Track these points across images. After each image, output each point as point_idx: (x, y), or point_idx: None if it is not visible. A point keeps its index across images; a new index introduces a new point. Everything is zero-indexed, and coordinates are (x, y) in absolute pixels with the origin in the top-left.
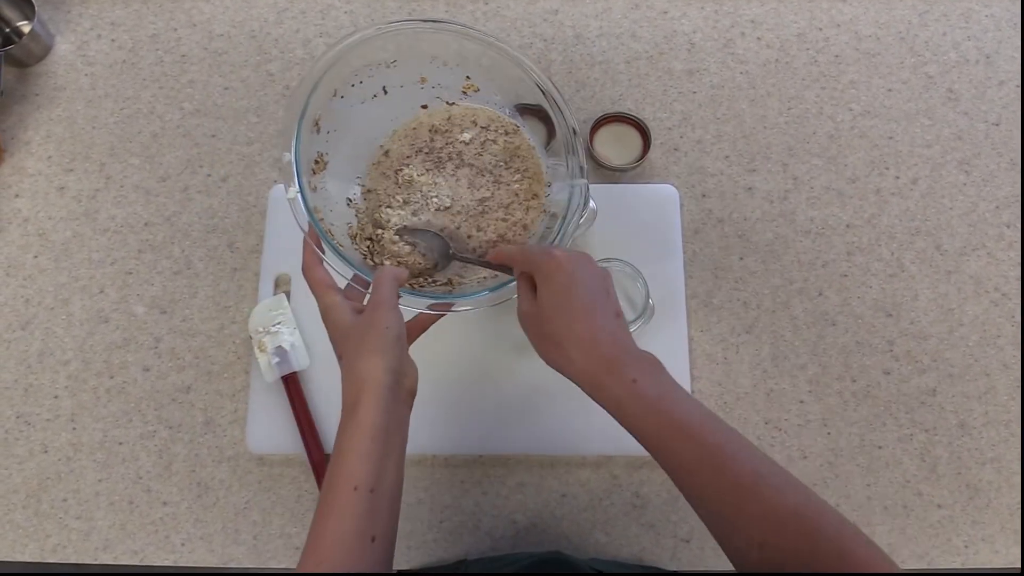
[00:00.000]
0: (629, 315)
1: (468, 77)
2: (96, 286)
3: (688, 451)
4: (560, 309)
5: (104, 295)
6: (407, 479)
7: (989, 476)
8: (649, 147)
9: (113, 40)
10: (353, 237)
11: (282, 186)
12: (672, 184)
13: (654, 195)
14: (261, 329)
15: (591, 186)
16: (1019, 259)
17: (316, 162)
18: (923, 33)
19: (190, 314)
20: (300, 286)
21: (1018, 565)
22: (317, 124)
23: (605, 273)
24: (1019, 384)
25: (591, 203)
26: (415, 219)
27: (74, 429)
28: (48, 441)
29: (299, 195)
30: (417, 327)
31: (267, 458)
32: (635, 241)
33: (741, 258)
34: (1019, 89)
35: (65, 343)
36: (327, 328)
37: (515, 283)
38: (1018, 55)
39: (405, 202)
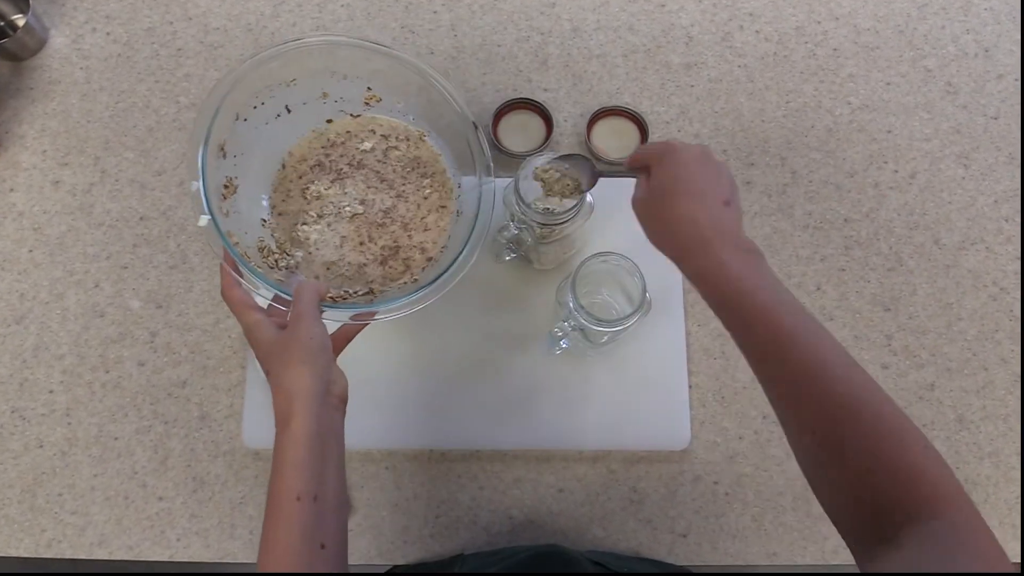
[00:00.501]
0: (626, 309)
1: (369, 88)
2: (91, 280)
3: (759, 333)
4: (668, 192)
5: (99, 289)
6: (405, 474)
7: (987, 471)
8: (647, 141)
9: (108, 33)
10: (262, 250)
11: None
12: None
13: None
14: None
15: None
16: (1018, 253)
17: (226, 187)
18: (922, 26)
19: (185, 308)
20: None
21: (1018, 559)
22: (223, 149)
23: (722, 165)
24: (1018, 379)
25: (587, 197)
26: (330, 231)
27: (69, 424)
28: (43, 436)
29: (211, 221)
30: (342, 338)
31: (263, 453)
32: (632, 235)
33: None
34: (1018, 83)
35: (60, 338)
36: (252, 347)
37: (431, 288)
38: (1017, 49)
39: (319, 215)
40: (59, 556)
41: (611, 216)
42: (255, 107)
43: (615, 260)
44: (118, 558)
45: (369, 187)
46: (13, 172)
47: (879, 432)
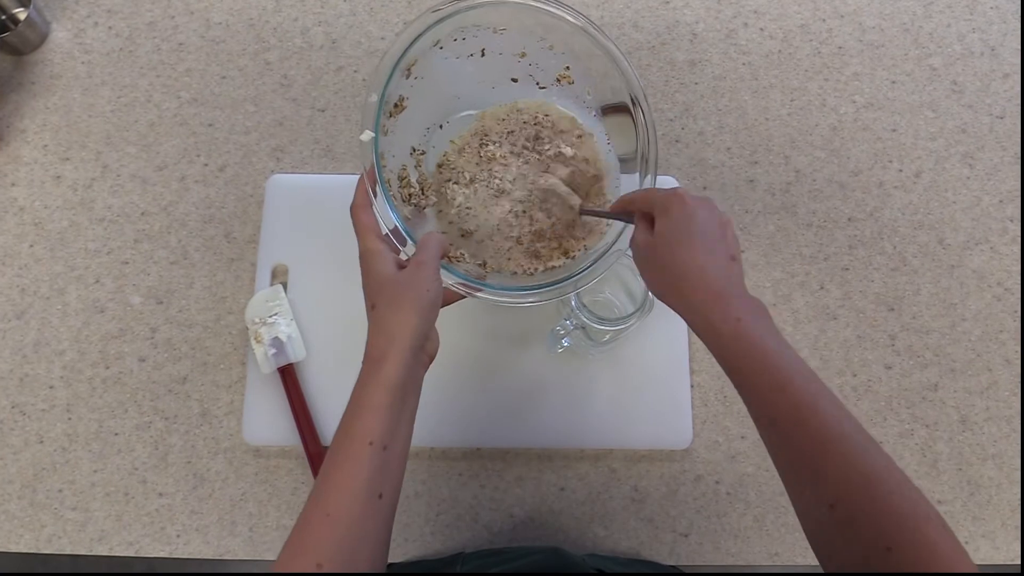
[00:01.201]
0: (628, 308)
1: (568, 67)
2: (92, 276)
3: (777, 399)
4: (674, 241)
5: (100, 285)
6: (407, 472)
7: (990, 472)
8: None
9: (110, 28)
10: (402, 179)
11: (277, 176)
12: (673, 176)
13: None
14: (258, 320)
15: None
16: (1022, 254)
17: (396, 105)
18: (927, 25)
19: (186, 304)
20: (297, 277)
21: (1019, 561)
22: (409, 69)
23: (726, 219)
24: (1021, 380)
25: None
26: (477, 198)
27: (69, 419)
28: (43, 431)
29: (373, 139)
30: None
31: (263, 449)
32: None
33: (742, 251)
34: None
35: (61, 333)
36: (363, 273)
37: (541, 293)
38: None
39: (472, 180)
40: (59, 552)
41: None
42: (456, 40)
43: (624, 261)
44: (118, 554)
45: (533, 175)
46: (14, 167)
47: (900, 510)
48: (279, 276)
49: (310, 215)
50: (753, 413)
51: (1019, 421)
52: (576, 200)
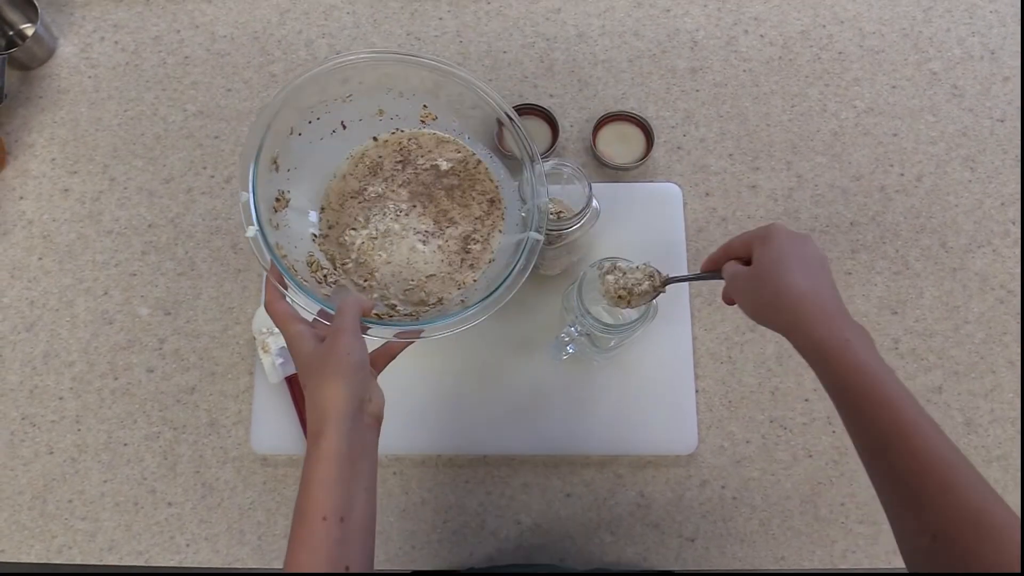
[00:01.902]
0: (633, 314)
1: (425, 106)
2: (100, 288)
3: (884, 423)
4: (782, 265)
5: (108, 297)
6: (413, 479)
7: (995, 474)
8: (652, 146)
9: (116, 42)
10: (311, 264)
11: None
12: (675, 183)
13: (657, 194)
14: (265, 330)
15: (594, 185)
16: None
17: (277, 200)
18: (927, 29)
19: (194, 315)
20: None
21: None
22: (275, 163)
23: (824, 254)
24: (1022, 382)
25: (594, 203)
26: (377, 233)
27: (79, 430)
28: (53, 442)
29: (259, 233)
30: (385, 355)
31: (271, 458)
32: (639, 240)
33: None
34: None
35: (70, 345)
36: (292, 357)
37: (481, 306)
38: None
39: (367, 220)
40: (69, 562)
41: (618, 220)
42: (310, 122)
43: (623, 265)
44: (128, 564)
45: (418, 203)
46: (23, 180)
47: (1003, 542)
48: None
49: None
50: (855, 433)
51: (1020, 424)
52: (658, 279)
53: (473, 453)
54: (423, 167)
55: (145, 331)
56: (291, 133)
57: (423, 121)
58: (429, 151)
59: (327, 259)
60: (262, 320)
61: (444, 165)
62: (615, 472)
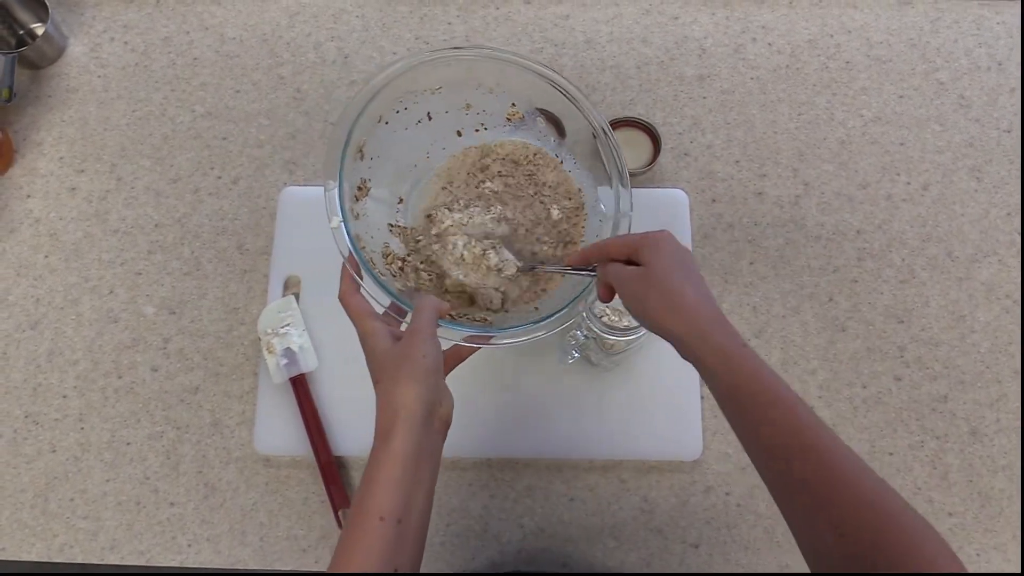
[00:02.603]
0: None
1: (513, 104)
2: (106, 286)
3: (785, 425)
4: (672, 272)
5: (114, 295)
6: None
7: (1001, 484)
8: (659, 152)
9: (126, 43)
10: (386, 256)
11: (290, 189)
12: (682, 189)
13: (664, 200)
14: (270, 331)
15: (600, 189)
16: None
17: (359, 188)
18: (934, 40)
19: (199, 315)
20: (309, 288)
21: None
22: (361, 151)
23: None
24: (1022, 391)
25: (600, 207)
26: (472, 219)
27: (82, 429)
28: (56, 441)
29: (342, 224)
30: (454, 357)
31: (274, 460)
32: None
33: (751, 263)
34: None
35: (74, 343)
36: (365, 354)
37: (550, 321)
38: None
39: (466, 205)
40: (70, 561)
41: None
42: (398, 111)
43: None
44: (129, 563)
45: (500, 205)
46: (30, 179)
47: (909, 539)
48: (291, 287)
49: (323, 227)
50: (755, 438)
51: (1021, 433)
52: (514, 267)
53: (477, 456)
54: (515, 172)
55: (150, 330)
56: (379, 121)
57: (509, 119)
58: (523, 162)
59: (402, 250)
60: (267, 321)
61: (546, 176)
62: (619, 477)
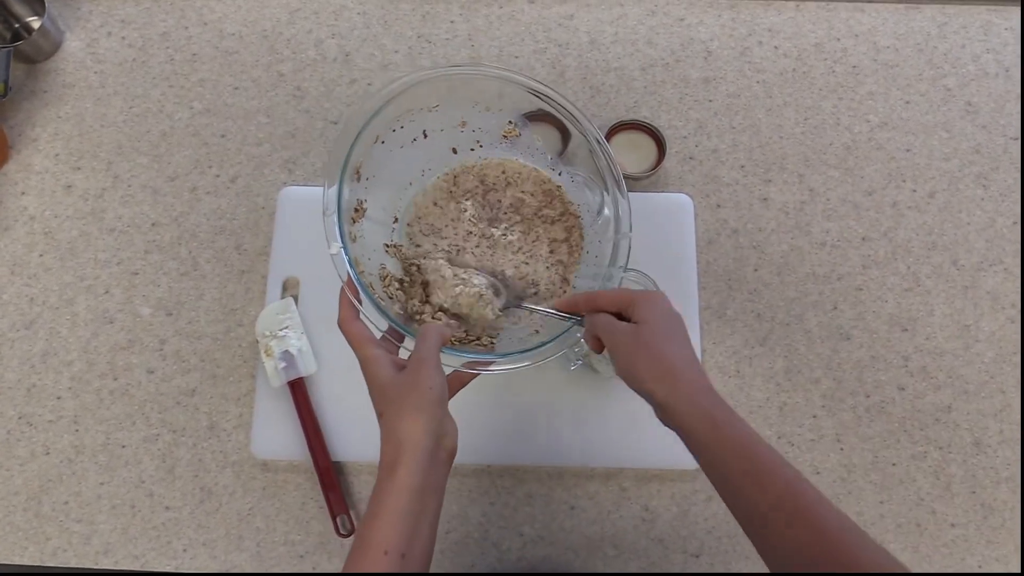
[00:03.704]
0: None
1: (511, 122)
2: (102, 286)
3: (777, 488)
4: (663, 334)
5: (109, 295)
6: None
7: (1004, 495)
8: (664, 156)
9: (123, 38)
10: (384, 278)
11: (289, 189)
12: (687, 193)
13: (668, 204)
14: (268, 333)
15: (604, 193)
16: None
17: (356, 210)
18: (942, 45)
19: (196, 316)
20: (308, 290)
21: None
22: (358, 172)
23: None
24: None
25: (605, 210)
26: (453, 251)
27: (76, 431)
28: (50, 443)
29: (342, 250)
30: (456, 383)
31: (272, 464)
32: (648, 251)
33: (755, 269)
34: None
35: (69, 343)
36: (367, 381)
37: (552, 345)
38: None
39: (445, 236)
40: (63, 565)
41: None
42: (394, 130)
43: (632, 276)
44: (123, 568)
45: (497, 229)
46: (25, 175)
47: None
48: (290, 289)
49: (322, 228)
50: (745, 501)
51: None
52: (496, 306)
53: (477, 463)
54: (506, 195)
55: (146, 331)
56: (376, 141)
57: (505, 136)
58: (514, 182)
59: (400, 271)
60: (265, 323)
61: (528, 199)
62: (620, 485)
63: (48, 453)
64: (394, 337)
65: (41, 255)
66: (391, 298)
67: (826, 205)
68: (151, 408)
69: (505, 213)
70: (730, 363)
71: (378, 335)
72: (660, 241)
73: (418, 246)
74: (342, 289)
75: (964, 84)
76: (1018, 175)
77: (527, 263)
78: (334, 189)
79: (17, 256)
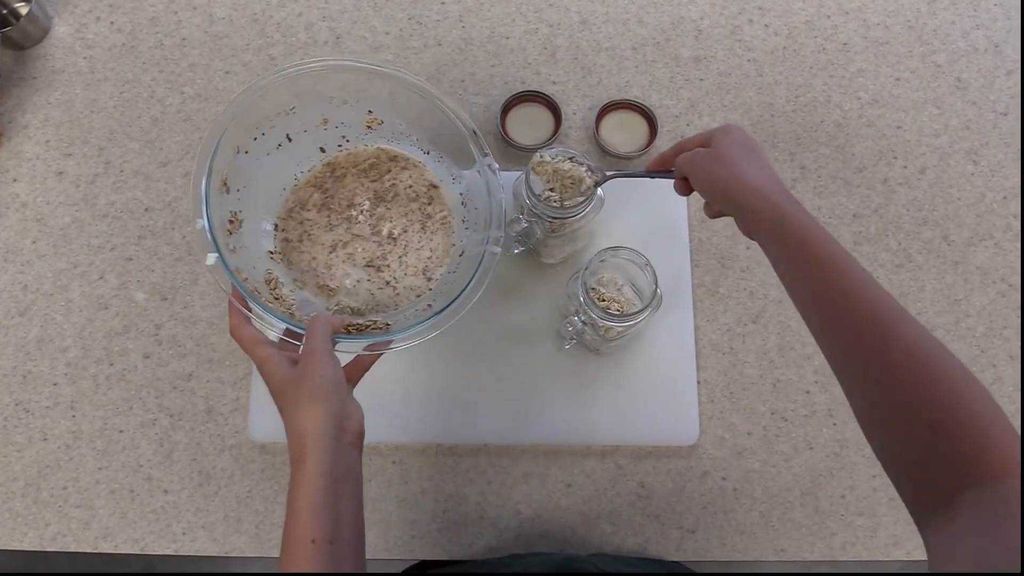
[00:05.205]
0: (636, 304)
1: (370, 111)
2: (96, 272)
3: (831, 279)
4: (740, 149)
5: (104, 281)
6: (413, 468)
7: None
8: (656, 135)
9: (112, 23)
10: (269, 282)
11: None
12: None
13: (660, 183)
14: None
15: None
16: None
17: (231, 221)
18: (932, 21)
19: (191, 301)
20: None
21: None
22: (225, 184)
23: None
24: (1021, 376)
25: (599, 191)
26: (333, 244)
27: (74, 417)
28: (47, 429)
29: (219, 260)
30: (357, 369)
31: (269, 446)
32: (641, 229)
33: (747, 247)
34: None
35: (64, 330)
36: (265, 381)
37: (448, 311)
38: None
39: (322, 231)
40: (63, 550)
41: (621, 210)
42: (255, 139)
43: (626, 254)
44: (123, 552)
45: (374, 214)
46: (16, 162)
47: (952, 386)
48: None
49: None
50: (812, 295)
51: (1020, 418)
52: (592, 180)
53: (473, 442)
54: (377, 180)
55: (141, 316)
56: (237, 152)
57: (369, 127)
58: (385, 168)
59: (285, 275)
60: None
61: (403, 181)
62: (616, 463)
63: (46, 439)
64: (292, 337)
65: (34, 242)
66: (277, 299)
67: (817, 182)
68: (148, 393)
69: (378, 201)
70: (723, 340)
71: (276, 338)
72: (652, 219)
73: (299, 251)
74: (229, 297)
75: (954, 60)
76: (1007, 150)
77: (412, 246)
78: (200, 202)
79: (10, 243)
